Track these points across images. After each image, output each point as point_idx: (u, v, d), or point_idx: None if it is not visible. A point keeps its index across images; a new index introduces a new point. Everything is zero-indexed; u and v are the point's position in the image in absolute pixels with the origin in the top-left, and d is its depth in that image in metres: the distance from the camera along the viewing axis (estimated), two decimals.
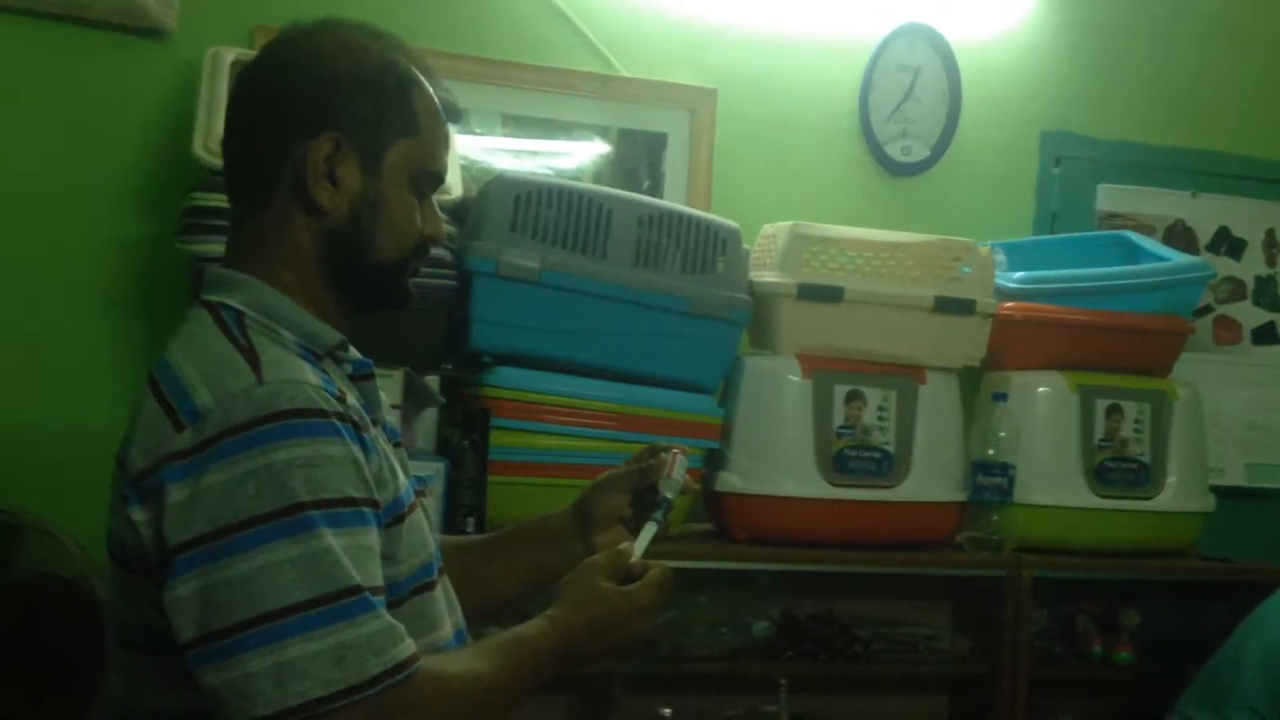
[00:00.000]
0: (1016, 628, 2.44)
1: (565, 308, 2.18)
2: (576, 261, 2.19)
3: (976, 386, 2.62)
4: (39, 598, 2.02)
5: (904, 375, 2.44)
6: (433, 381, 2.17)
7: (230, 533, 0.95)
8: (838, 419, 2.39)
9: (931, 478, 2.45)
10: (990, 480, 2.46)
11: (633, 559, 1.24)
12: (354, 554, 0.98)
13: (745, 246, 2.38)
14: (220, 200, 1.98)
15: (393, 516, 1.08)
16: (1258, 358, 2.97)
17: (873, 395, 2.42)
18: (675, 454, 1.38)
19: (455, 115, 1.22)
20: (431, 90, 1.18)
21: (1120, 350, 2.57)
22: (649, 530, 1.32)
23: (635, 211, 2.25)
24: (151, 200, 2.30)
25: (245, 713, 0.93)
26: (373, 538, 1.02)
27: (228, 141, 1.17)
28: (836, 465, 2.38)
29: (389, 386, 2.07)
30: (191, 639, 0.96)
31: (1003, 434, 2.47)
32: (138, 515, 1.00)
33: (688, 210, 2.34)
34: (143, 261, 2.31)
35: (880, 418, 2.43)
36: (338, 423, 1.01)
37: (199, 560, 0.96)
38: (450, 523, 2.08)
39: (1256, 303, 2.97)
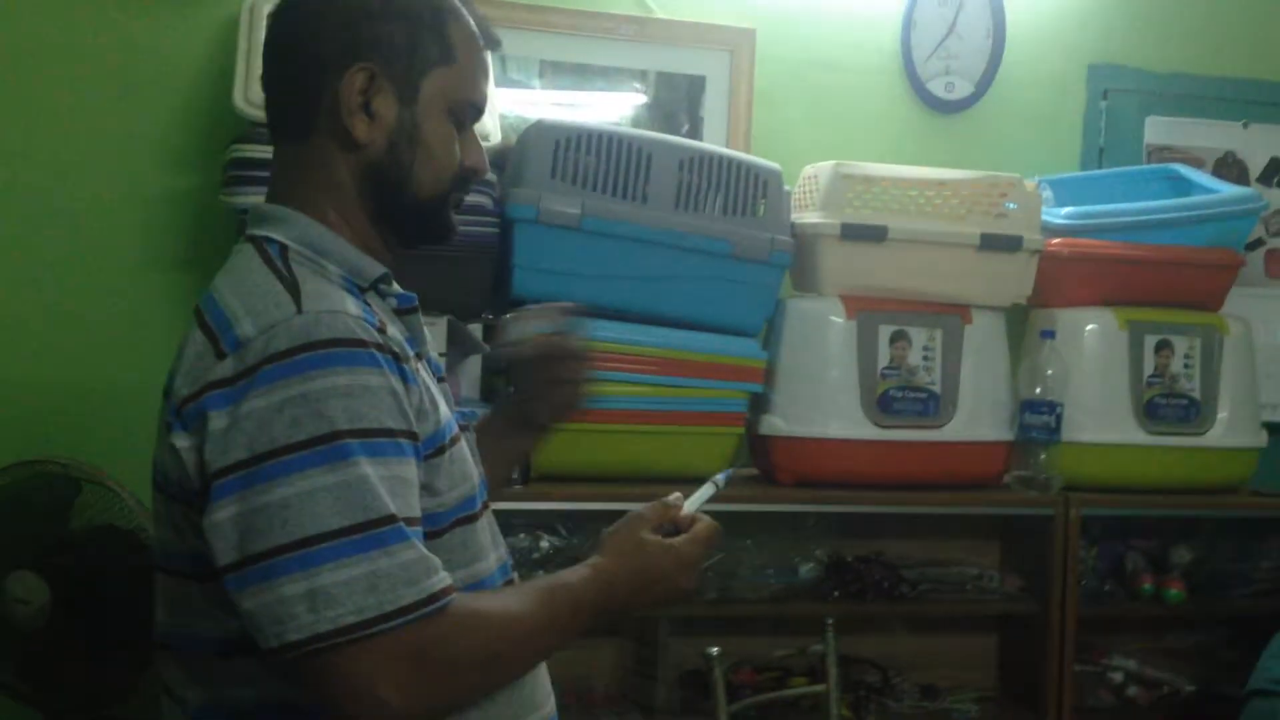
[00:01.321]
0: (1065, 566, 2.43)
1: (606, 253, 2.17)
2: (617, 206, 2.18)
3: (1023, 324, 2.59)
4: (97, 550, 2.07)
5: (949, 314, 2.42)
6: (476, 330, 2.18)
7: (268, 459, 0.96)
8: (882, 360, 2.38)
9: (978, 417, 2.43)
10: (1038, 419, 2.44)
11: (683, 513, 1.23)
12: (390, 484, 0.98)
13: (786, 188, 2.35)
14: (263, 151, 2.01)
15: (433, 448, 1.07)
16: None
17: (918, 335, 2.40)
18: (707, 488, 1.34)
19: (493, 42, 1.20)
20: (468, 16, 1.16)
21: (1169, 285, 2.53)
22: (705, 490, 1.31)
23: (675, 155, 2.24)
24: (196, 154, 2.32)
25: (279, 637, 0.94)
26: (410, 469, 1.02)
27: (266, 79, 1.16)
28: (882, 406, 2.37)
29: (433, 334, 2.08)
30: (229, 563, 0.96)
31: (1050, 372, 2.44)
32: (180, 442, 1.01)
33: (728, 152, 2.32)
34: (189, 215, 2.34)
35: (926, 358, 2.41)
36: (377, 353, 1.01)
37: (237, 485, 0.96)
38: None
39: None
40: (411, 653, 0.96)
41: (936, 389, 2.41)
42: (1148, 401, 2.50)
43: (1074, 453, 2.46)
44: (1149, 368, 2.50)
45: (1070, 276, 2.48)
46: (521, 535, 2.21)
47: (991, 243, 2.38)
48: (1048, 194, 2.58)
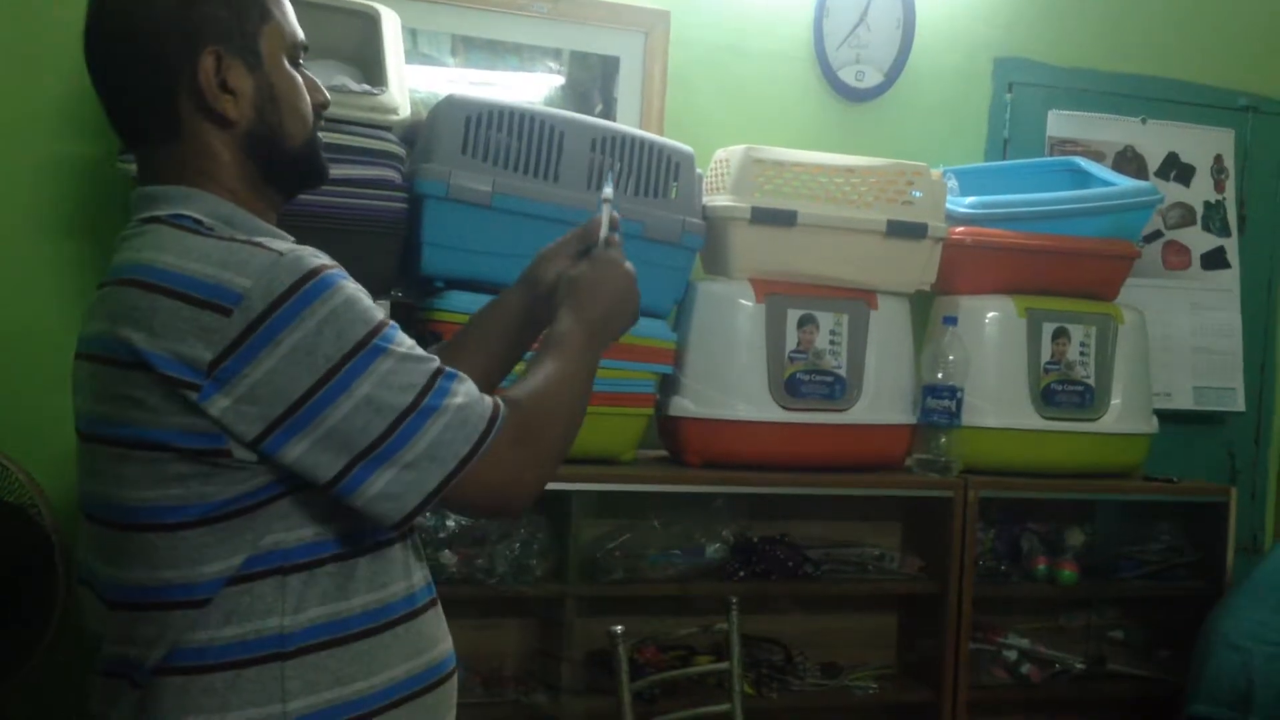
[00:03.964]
0: (963, 547, 2.49)
1: (517, 231, 2.16)
2: (528, 185, 2.17)
3: (927, 311, 2.64)
4: None
5: (856, 299, 2.46)
6: (384, 306, 2.14)
7: (333, 376, 1.06)
8: (790, 343, 2.41)
9: (882, 401, 2.48)
10: (939, 403, 2.49)
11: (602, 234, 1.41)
12: (411, 356, 1.12)
13: (698, 171, 2.37)
14: None
15: None
16: (1206, 282, 3.01)
17: (825, 319, 2.44)
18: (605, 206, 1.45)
19: None
20: None
21: (1068, 274, 2.60)
22: (605, 209, 1.44)
23: (587, 134, 2.23)
24: (90, 122, 2.25)
25: (400, 511, 1.10)
26: (400, 335, 1.14)
27: (109, 96, 1.18)
28: (789, 389, 2.40)
29: None
30: (334, 475, 1.08)
31: (951, 357, 2.50)
32: (220, 404, 1.06)
33: (640, 133, 2.32)
34: (83, 183, 2.27)
35: (832, 342, 2.45)
36: (338, 269, 1.12)
37: (311, 414, 1.06)
38: None
39: (1205, 228, 3.01)
40: (514, 439, 1.15)
41: (842, 373, 2.45)
42: (1045, 388, 2.57)
43: (973, 437, 2.52)
44: (1046, 355, 2.57)
45: (972, 264, 2.54)
46: (428, 514, 2.19)
47: (897, 230, 2.43)
48: (953, 183, 2.63)
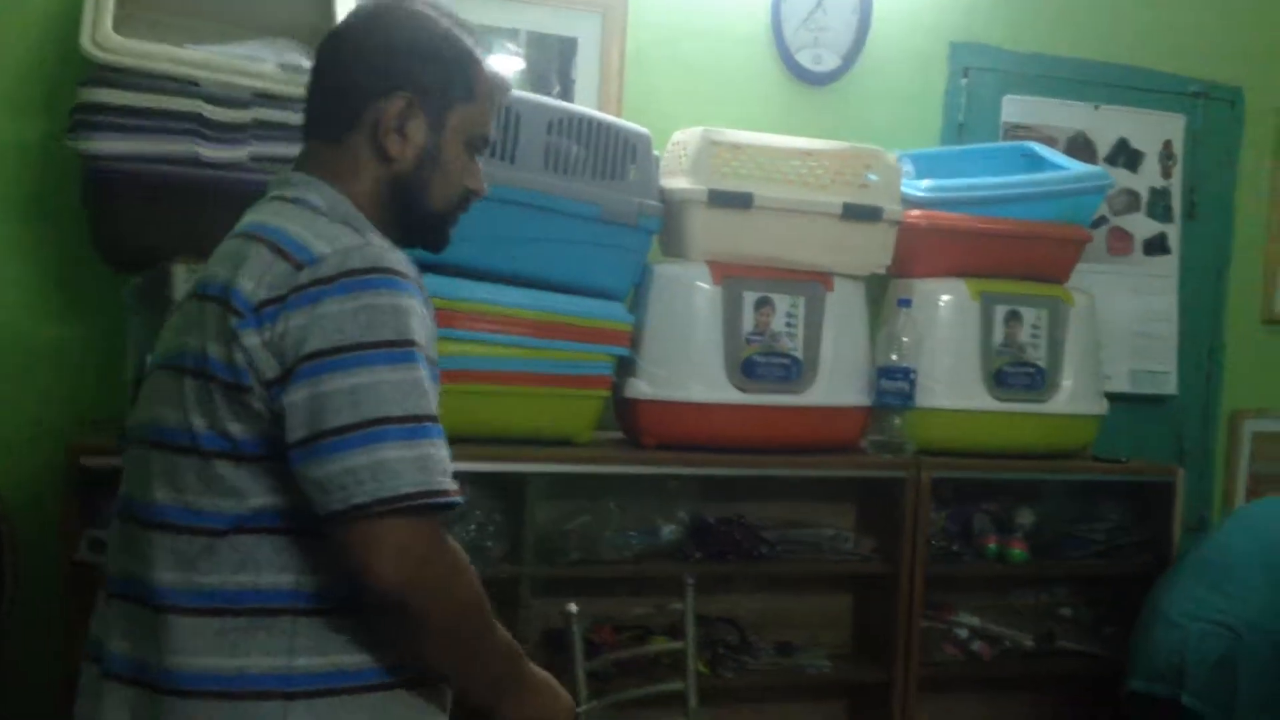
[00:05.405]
0: (916, 527, 2.52)
1: (473, 213, 2.11)
2: (484, 166, 2.15)
3: (882, 293, 2.67)
4: None
5: (812, 282, 2.47)
6: None
7: (341, 352, 1.12)
8: (747, 325, 2.42)
9: (838, 383, 2.50)
10: (893, 385, 2.52)
11: None
12: (429, 390, 1.17)
13: (656, 153, 2.37)
14: (112, 96, 1.95)
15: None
16: (1148, 268, 3.06)
17: (781, 302, 2.45)
18: None
19: (505, 88, 1.42)
20: (488, 66, 1.35)
21: (1020, 258, 2.63)
22: None
23: (544, 116, 2.23)
24: (40, 99, 2.21)
25: (345, 500, 1.10)
26: (431, 384, 1.19)
27: (313, 87, 1.34)
28: (745, 371, 2.41)
29: None
30: (299, 438, 1.12)
31: (906, 340, 2.52)
32: (252, 339, 1.14)
33: (598, 115, 2.32)
34: (33, 161, 2.23)
35: (789, 324, 2.46)
36: (418, 291, 1.20)
37: (311, 372, 1.12)
38: None
39: (1150, 214, 3.05)
40: (438, 537, 1.15)
41: (798, 355, 2.46)
42: (997, 370, 2.60)
43: (927, 418, 2.55)
44: (999, 337, 2.61)
45: (927, 247, 2.56)
46: None
47: (853, 212, 2.44)
48: (908, 167, 2.65)
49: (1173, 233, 3.07)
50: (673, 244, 2.44)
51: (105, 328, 2.26)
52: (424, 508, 1.12)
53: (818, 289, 2.48)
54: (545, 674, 1.35)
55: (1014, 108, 2.95)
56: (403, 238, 1.31)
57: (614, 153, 2.28)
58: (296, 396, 1.12)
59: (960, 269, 2.60)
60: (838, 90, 2.81)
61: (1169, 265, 3.08)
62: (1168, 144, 3.05)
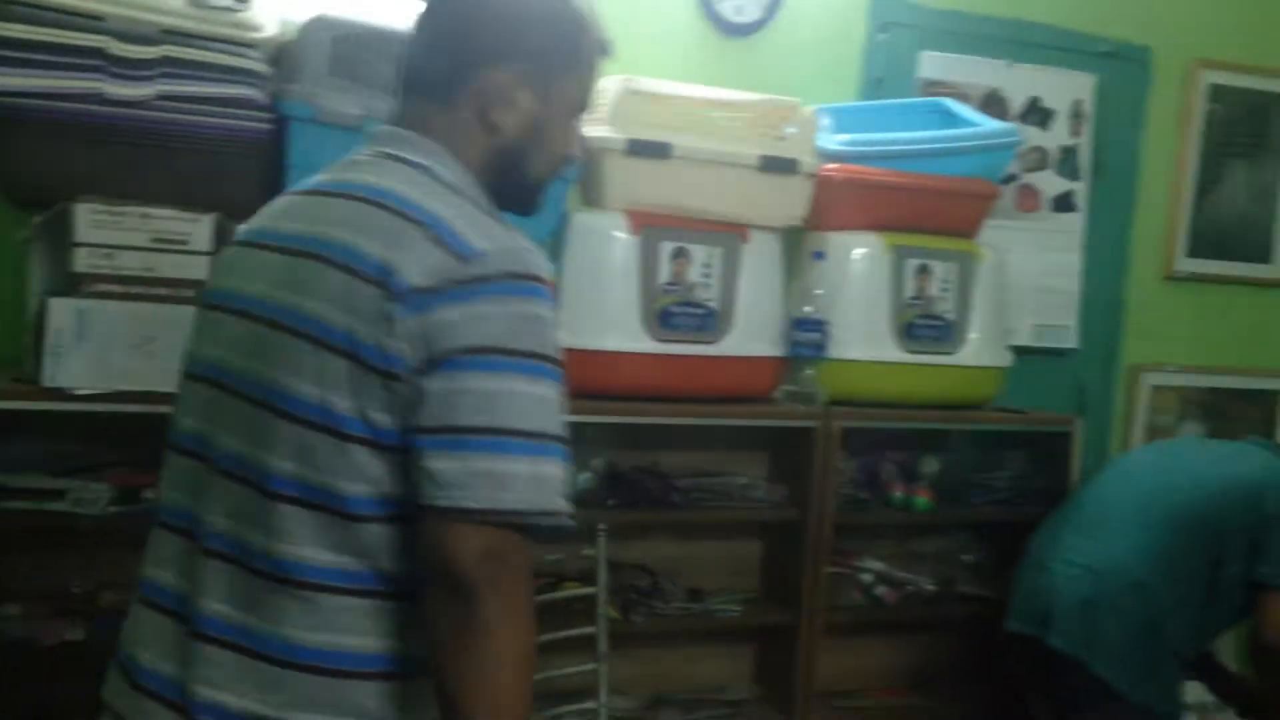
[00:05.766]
0: (825, 476, 2.57)
1: None
2: (388, 104, 2.12)
3: (798, 245, 2.70)
4: None
5: (729, 233, 2.49)
6: None
7: (488, 353, 1.11)
8: (663, 275, 2.43)
9: (752, 334, 2.53)
10: (807, 336, 2.56)
11: None
12: (560, 409, 1.15)
13: None
14: (21, 31, 1.90)
15: None
16: (1054, 225, 3.13)
17: (698, 252, 2.47)
18: None
19: (609, 53, 1.38)
20: (597, 31, 1.33)
21: (932, 213, 2.68)
22: None
23: None
24: None
25: (457, 501, 1.08)
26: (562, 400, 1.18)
27: (422, 40, 1.30)
28: (661, 321, 2.43)
29: (198, 232, 2.00)
30: (428, 426, 1.10)
31: (819, 292, 2.56)
32: (409, 327, 1.11)
33: None
34: None
35: (705, 275, 2.48)
36: (553, 296, 1.19)
37: (454, 366, 1.10)
38: None
39: (1059, 172, 3.12)
40: (528, 558, 1.13)
41: (714, 305, 2.49)
42: (907, 322, 2.66)
43: (839, 369, 2.60)
44: (909, 290, 2.66)
45: (842, 201, 2.59)
46: None
47: (770, 165, 2.46)
48: (826, 121, 2.67)
49: (1080, 190, 3.15)
50: (591, 193, 2.44)
51: (5, 267, 2.20)
52: (526, 526, 1.11)
53: (734, 240, 2.50)
54: None
55: (930, 64, 2.98)
56: (498, 202, 1.29)
57: None
58: (435, 386, 1.10)
59: (874, 223, 2.64)
60: (758, 42, 2.81)
61: (1075, 222, 3.15)
62: (1078, 102, 3.12)
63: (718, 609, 2.63)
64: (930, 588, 2.83)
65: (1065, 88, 3.11)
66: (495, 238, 1.15)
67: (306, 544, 1.13)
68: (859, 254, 2.62)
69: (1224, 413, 3.39)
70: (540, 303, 1.14)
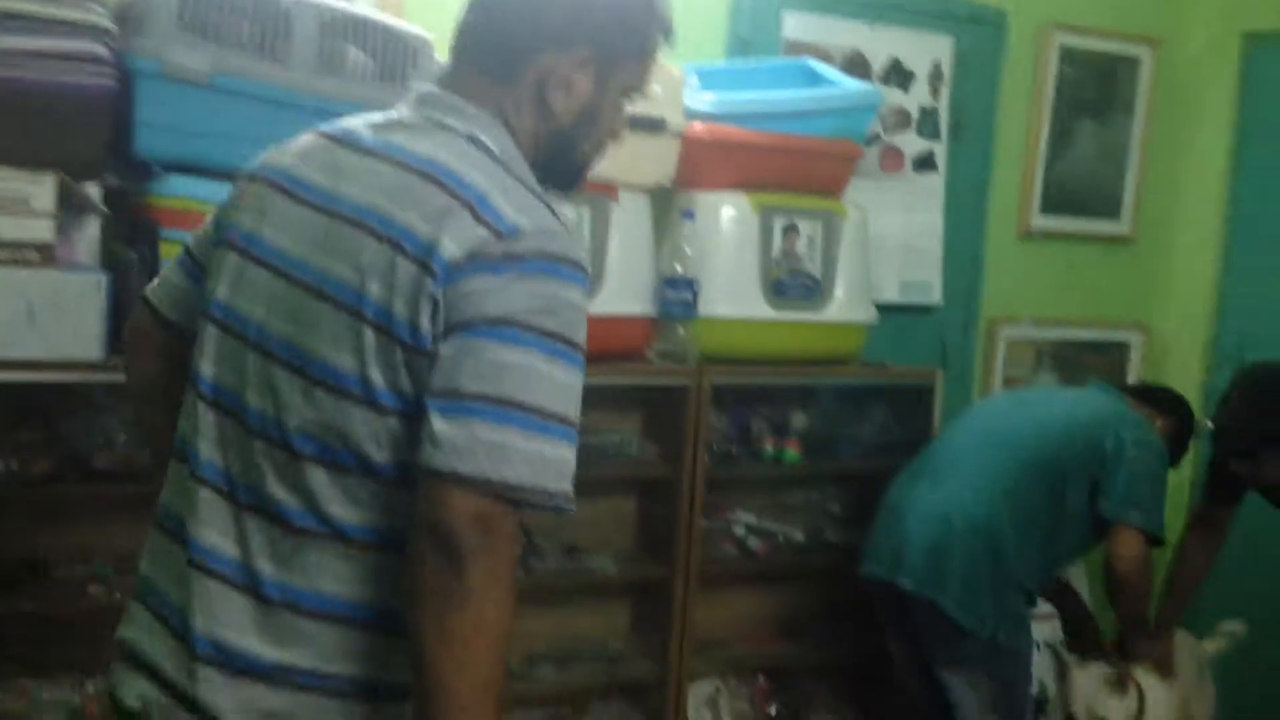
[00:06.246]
0: (697, 432, 2.61)
1: (242, 114, 2.06)
2: (253, 65, 2.07)
3: (667, 206, 2.71)
4: None
5: (598, 193, 2.49)
6: (93, 190, 2.02)
7: (507, 325, 1.09)
8: None
9: (623, 293, 2.54)
10: (677, 295, 2.59)
11: None
12: (573, 394, 1.13)
13: (438, 57, 2.31)
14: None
15: None
16: (916, 184, 3.21)
17: (567, 211, 2.46)
18: None
19: (673, 37, 1.33)
20: (665, 15, 1.30)
21: (798, 172, 2.72)
22: None
23: (316, 16, 2.14)
24: None
25: (453, 466, 1.08)
26: (581, 385, 1.15)
27: (481, 12, 1.27)
28: None
29: (40, 193, 1.92)
30: (437, 388, 1.10)
31: (689, 251, 2.58)
32: (439, 299, 1.11)
33: (376, 17, 2.25)
34: None
35: (574, 234, 2.48)
36: (588, 281, 1.18)
37: (471, 333, 1.10)
38: (118, 338, 1.98)
39: (920, 133, 3.20)
40: (517, 532, 1.12)
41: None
42: (775, 280, 2.70)
43: (709, 327, 2.63)
44: (777, 249, 2.70)
45: (709, 161, 2.62)
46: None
47: (637, 124, 2.46)
48: (693, 81, 2.68)
49: (940, 151, 3.23)
50: None
51: None
52: (520, 501, 1.10)
53: (603, 200, 2.50)
54: None
55: (794, 25, 3.01)
56: (542, 179, 1.27)
57: (394, 56, 2.22)
58: (447, 350, 1.10)
59: (741, 182, 2.67)
60: None
61: (936, 182, 3.24)
62: (937, 64, 3.19)
63: (593, 566, 2.66)
64: (799, 538, 2.91)
65: (925, 50, 3.18)
66: (535, 216, 1.14)
67: (333, 502, 1.16)
68: (727, 213, 2.65)
69: (1076, 364, 3.54)
70: (572, 287, 1.13)
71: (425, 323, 1.11)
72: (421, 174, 1.16)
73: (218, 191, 2.04)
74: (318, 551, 1.16)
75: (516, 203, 1.14)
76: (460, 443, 1.07)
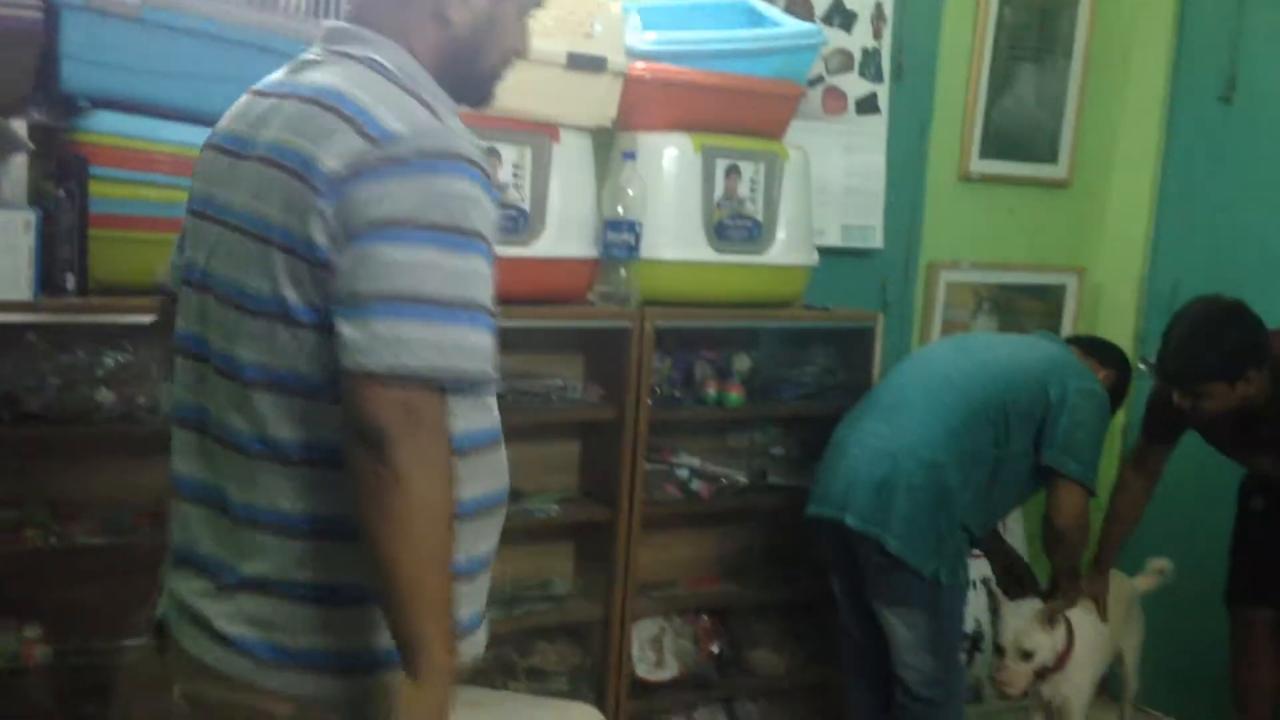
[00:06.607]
0: (640, 375, 2.61)
1: (173, 49, 2.01)
2: None
3: (609, 147, 2.69)
4: None
5: (539, 133, 2.47)
6: (20, 126, 1.96)
7: (393, 225, 1.16)
8: None
9: (566, 235, 2.53)
10: (619, 237, 2.57)
11: None
12: (475, 279, 1.19)
13: None
14: None
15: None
16: (859, 126, 3.21)
17: (508, 152, 2.44)
18: None
19: None
20: None
21: (740, 113, 2.71)
22: None
23: None
24: None
25: (360, 365, 1.15)
26: (488, 271, 1.23)
27: None
28: None
29: None
30: (338, 296, 1.17)
31: (631, 193, 2.57)
32: (329, 214, 1.18)
33: None
34: None
35: (515, 175, 2.46)
36: (485, 178, 1.23)
37: (363, 240, 1.16)
38: (48, 278, 1.94)
39: (862, 74, 3.19)
40: (442, 413, 1.17)
41: (526, 207, 2.47)
42: (717, 222, 2.70)
43: (651, 269, 2.62)
44: (719, 191, 2.69)
45: (651, 101, 2.60)
46: (80, 352, 2.07)
47: (578, 62, 2.44)
48: (635, 19, 2.65)
49: (883, 93, 3.23)
50: None
51: None
52: (434, 383, 1.15)
53: (544, 140, 2.47)
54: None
55: None
56: (452, 94, 1.34)
57: None
58: (345, 260, 1.17)
59: (683, 123, 2.65)
60: None
61: (878, 124, 3.24)
62: (879, 4, 3.18)
63: (537, 509, 2.66)
64: (742, 480, 2.93)
65: None
66: (414, 120, 1.20)
67: (277, 425, 1.24)
68: (669, 154, 2.64)
69: (1014, 308, 3.59)
70: (456, 179, 1.18)
71: (318, 236, 1.18)
72: (316, 102, 1.23)
73: (150, 128, 2.02)
74: (269, 473, 1.25)
75: (398, 112, 1.20)
76: (362, 342, 1.14)
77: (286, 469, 1.25)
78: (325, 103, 1.22)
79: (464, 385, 1.19)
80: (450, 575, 1.20)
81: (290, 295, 1.21)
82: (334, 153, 1.18)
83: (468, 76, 1.37)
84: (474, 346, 1.19)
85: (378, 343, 1.14)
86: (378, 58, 1.27)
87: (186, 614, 1.32)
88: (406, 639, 1.18)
